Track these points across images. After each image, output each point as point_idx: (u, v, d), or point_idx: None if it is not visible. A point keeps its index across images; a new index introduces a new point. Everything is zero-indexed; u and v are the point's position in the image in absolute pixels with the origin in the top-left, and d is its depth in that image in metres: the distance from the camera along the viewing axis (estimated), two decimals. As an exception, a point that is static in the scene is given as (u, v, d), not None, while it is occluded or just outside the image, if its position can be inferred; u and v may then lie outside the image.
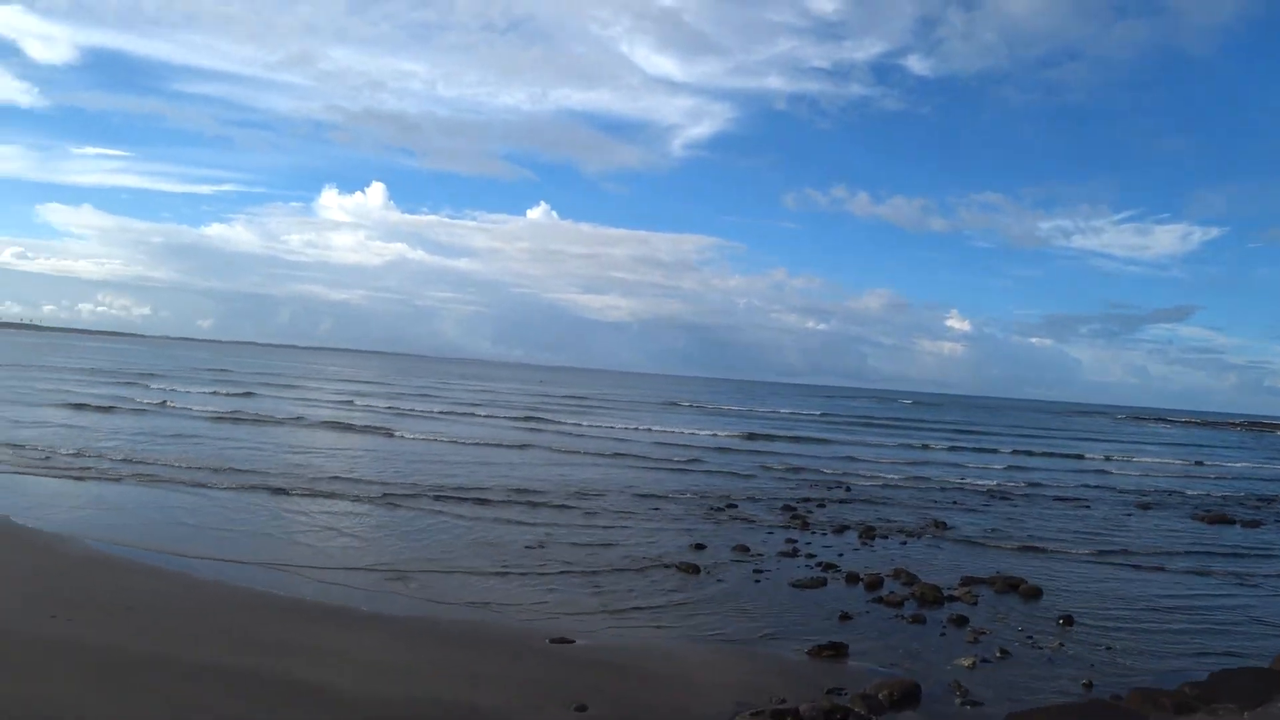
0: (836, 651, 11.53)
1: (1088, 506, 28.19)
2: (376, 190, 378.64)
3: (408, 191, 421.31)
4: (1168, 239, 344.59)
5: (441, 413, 52.44)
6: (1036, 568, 17.79)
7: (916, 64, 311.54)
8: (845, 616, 13.33)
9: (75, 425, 31.87)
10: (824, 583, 15.43)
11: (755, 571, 15.98)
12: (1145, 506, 28.94)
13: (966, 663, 11.35)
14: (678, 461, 33.26)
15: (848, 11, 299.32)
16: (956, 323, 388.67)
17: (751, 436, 48.44)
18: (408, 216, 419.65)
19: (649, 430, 48.19)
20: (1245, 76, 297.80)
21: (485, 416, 51.33)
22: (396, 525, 18.04)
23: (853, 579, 15.74)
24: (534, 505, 21.02)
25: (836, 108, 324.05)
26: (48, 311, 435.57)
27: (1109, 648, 12.50)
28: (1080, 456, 51.11)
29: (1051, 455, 50.41)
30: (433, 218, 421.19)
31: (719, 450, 38.74)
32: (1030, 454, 49.78)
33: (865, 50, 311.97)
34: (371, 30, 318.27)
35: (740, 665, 10.95)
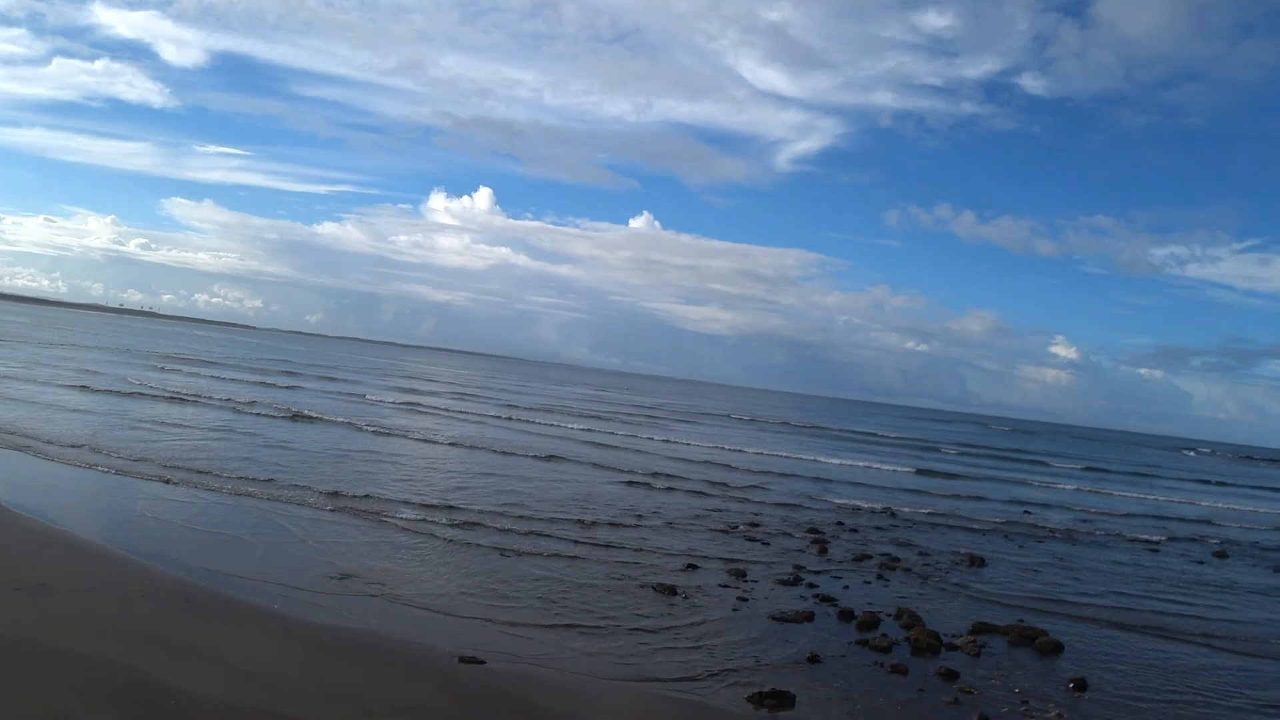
0: (780, 701, 9.96)
1: (1156, 551, 25.66)
2: (483, 195, 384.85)
3: (513, 197, 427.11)
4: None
5: (494, 417, 49.85)
6: (1066, 618, 15.70)
7: (1030, 83, 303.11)
8: (814, 659, 11.69)
9: (82, 410, 31.38)
10: (810, 617, 13.75)
11: (739, 599, 14.39)
12: (1223, 555, 26.23)
13: (932, 727, 9.61)
14: (725, 479, 31.16)
15: (960, 28, 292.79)
16: (1062, 350, 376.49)
17: (817, 460, 46.14)
18: (512, 222, 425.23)
19: (712, 447, 46.05)
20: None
21: (543, 424, 48.37)
22: (361, 535, 16.43)
23: (846, 616, 14.04)
24: (527, 520, 19.16)
25: (945, 125, 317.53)
26: (166, 300, 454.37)
27: (1118, 723, 10.58)
28: (1168, 497, 47.60)
29: (1139, 496, 46.94)
30: (536, 224, 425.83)
31: (781, 475, 35.95)
32: (1111, 494, 46.38)
33: (977, 68, 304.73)
34: (482, 39, 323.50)
35: (660, 709, 9.50)
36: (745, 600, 14.35)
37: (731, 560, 17.19)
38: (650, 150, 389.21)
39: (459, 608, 12.38)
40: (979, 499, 34.68)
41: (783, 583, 15.92)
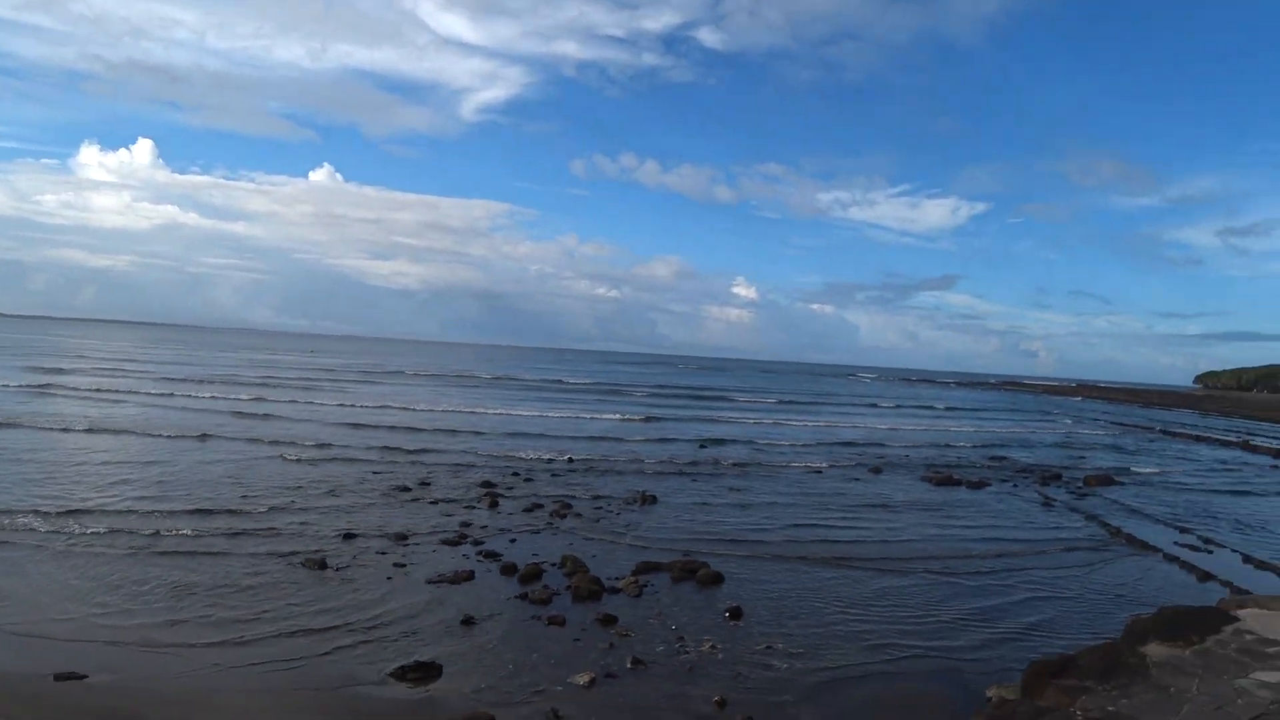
0: (425, 674, 9.21)
1: (820, 472, 27.18)
2: (143, 148, 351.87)
3: (178, 150, 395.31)
4: (938, 212, 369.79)
5: (147, 394, 43.44)
6: (729, 554, 15.85)
7: (707, 37, 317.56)
8: (469, 621, 11.00)
9: None
10: (471, 576, 13.09)
11: (396, 565, 13.48)
12: (877, 470, 28.27)
13: (583, 680, 9.20)
14: (397, 442, 29.59)
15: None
16: (743, 290, 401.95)
17: (501, 413, 45.38)
18: (179, 177, 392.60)
19: (388, 407, 43.64)
20: (1007, 64, 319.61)
21: (205, 398, 43.19)
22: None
23: (509, 570, 13.48)
24: (167, 515, 16.72)
25: (627, 76, 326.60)
26: None
27: (769, 648, 10.65)
28: (837, 421, 51.25)
29: (814, 424, 50.10)
30: (206, 178, 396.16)
31: (458, 432, 34.99)
32: (788, 424, 49.23)
33: (656, 20, 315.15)
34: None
35: (294, 703, 8.45)
36: (403, 567, 13.43)
37: (395, 527, 16.10)
38: (328, 98, 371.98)
39: (71, 629, 10.31)
40: (662, 440, 35.27)
41: (448, 543, 15.14)
